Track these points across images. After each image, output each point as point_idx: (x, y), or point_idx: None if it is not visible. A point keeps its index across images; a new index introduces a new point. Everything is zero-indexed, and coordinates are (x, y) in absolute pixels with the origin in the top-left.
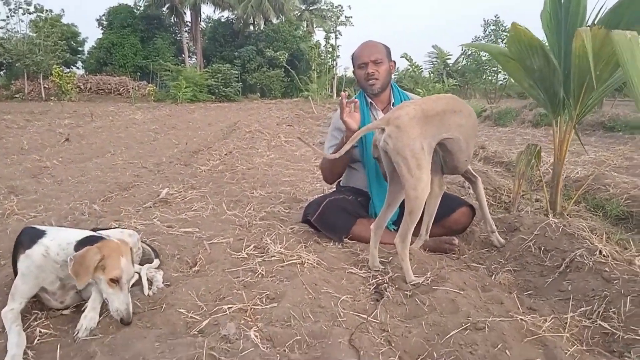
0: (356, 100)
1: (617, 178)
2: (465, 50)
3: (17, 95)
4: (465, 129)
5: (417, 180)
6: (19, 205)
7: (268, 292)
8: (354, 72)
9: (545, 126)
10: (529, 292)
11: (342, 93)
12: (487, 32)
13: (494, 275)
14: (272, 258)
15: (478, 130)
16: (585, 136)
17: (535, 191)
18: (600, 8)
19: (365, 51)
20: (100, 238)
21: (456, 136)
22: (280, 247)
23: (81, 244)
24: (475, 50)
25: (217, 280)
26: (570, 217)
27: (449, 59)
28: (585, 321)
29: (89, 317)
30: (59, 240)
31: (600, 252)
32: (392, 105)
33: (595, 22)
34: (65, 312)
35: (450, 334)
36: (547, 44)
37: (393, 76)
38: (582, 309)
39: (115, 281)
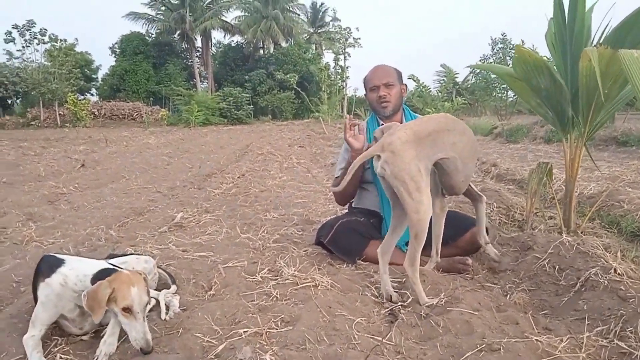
0: (359, 123)
1: (632, 194)
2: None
3: (33, 123)
4: (460, 147)
5: (418, 203)
6: (37, 232)
7: (283, 316)
8: (365, 95)
9: (557, 142)
10: (544, 312)
11: (347, 115)
12: (495, 51)
13: (508, 295)
14: (286, 281)
15: (480, 148)
16: (598, 151)
17: (549, 209)
18: (605, 28)
19: (377, 74)
20: (113, 271)
21: (451, 155)
22: (294, 270)
23: (96, 278)
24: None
25: (232, 304)
26: (585, 234)
27: (457, 77)
28: (602, 341)
29: (108, 343)
30: (77, 271)
31: (615, 270)
32: None
33: (600, 41)
34: (85, 337)
35: (466, 356)
36: (553, 63)
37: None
38: (599, 328)
39: (128, 310)
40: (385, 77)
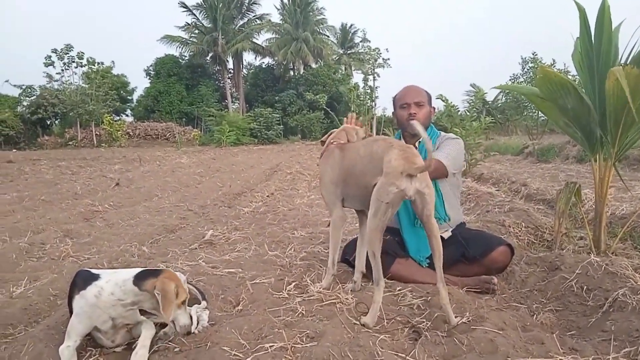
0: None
1: None
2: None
3: (70, 143)
4: None
5: (437, 225)
6: (74, 248)
7: (308, 331)
8: (394, 113)
9: (589, 162)
10: (571, 333)
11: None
12: (525, 70)
13: (535, 315)
14: (312, 297)
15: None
16: (632, 171)
17: (580, 229)
18: (633, 46)
19: (409, 93)
20: (157, 271)
21: None
22: (320, 287)
23: (139, 277)
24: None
25: (259, 319)
26: (616, 255)
27: (486, 95)
28: None
29: (140, 354)
30: (113, 281)
31: None
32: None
33: (628, 61)
34: (117, 349)
35: None
36: (580, 83)
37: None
38: (626, 349)
39: (183, 303)
40: (416, 96)
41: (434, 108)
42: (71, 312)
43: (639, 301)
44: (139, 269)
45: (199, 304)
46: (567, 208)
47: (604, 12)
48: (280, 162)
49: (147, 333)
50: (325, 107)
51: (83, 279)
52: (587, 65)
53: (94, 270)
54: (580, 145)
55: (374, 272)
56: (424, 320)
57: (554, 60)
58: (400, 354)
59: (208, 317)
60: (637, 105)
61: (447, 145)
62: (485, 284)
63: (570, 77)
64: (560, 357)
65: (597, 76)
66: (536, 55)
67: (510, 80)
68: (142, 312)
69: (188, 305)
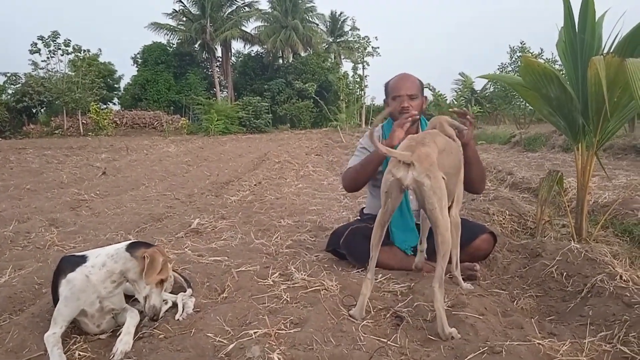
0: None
1: None
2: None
3: (56, 132)
4: (448, 165)
5: (447, 221)
6: (59, 237)
7: (292, 318)
8: (385, 101)
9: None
10: (550, 318)
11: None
12: (513, 59)
13: (515, 301)
14: (297, 285)
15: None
16: (616, 160)
17: (563, 217)
18: (616, 36)
19: (403, 85)
20: (148, 244)
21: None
22: (305, 275)
23: (132, 246)
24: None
25: (243, 306)
26: (597, 242)
27: (474, 84)
28: (605, 346)
29: (124, 341)
30: (104, 253)
31: (621, 277)
32: None
33: (611, 50)
34: (102, 336)
35: (468, 358)
36: (564, 72)
37: None
38: (602, 333)
39: (162, 282)
40: (410, 88)
41: (425, 98)
42: (55, 301)
43: (616, 287)
44: (130, 241)
45: (185, 291)
46: (549, 196)
47: (587, 2)
48: (269, 151)
49: (131, 320)
50: (314, 96)
51: (70, 264)
52: (571, 54)
53: (78, 253)
54: (563, 134)
55: (369, 263)
56: (407, 306)
57: (541, 50)
58: (382, 339)
59: (193, 305)
60: (616, 95)
61: None
62: (468, 271)
63: (557, 66)
64: (538, 341)
65: (580, 65)
66: (524, 44)
67: (498, 69)
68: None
69: (174, 293)
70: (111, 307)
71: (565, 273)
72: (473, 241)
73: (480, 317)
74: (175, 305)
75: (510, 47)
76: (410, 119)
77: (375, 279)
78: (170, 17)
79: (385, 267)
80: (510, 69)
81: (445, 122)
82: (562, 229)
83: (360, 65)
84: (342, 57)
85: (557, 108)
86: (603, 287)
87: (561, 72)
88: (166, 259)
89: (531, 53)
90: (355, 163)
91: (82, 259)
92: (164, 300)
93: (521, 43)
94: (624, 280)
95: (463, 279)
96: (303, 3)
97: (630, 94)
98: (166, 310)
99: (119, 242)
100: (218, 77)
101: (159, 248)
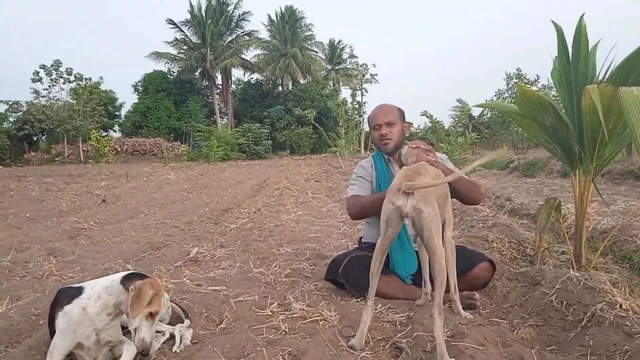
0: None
1: None
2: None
3: (57, 159)
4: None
5: (442, 249)
6: (57, 267)
7: (290, 349)
8: (370, 132)
9: None
10: (551, 348)
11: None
12: (510, 85)
13: (516, 330)
14: (295, 315)
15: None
16: (615, 185)
17: (562, 244)
18: (610, 64)
19: (379, 114)
20: (144, 275)
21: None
22: (303, 305)
23: (127, 278)
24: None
25: (241, 337)
26: (597, 269)
27: (471, 111)
28: None
29: None
30: (99, 284)
31: (621, 305)
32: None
33: (605, 78)
34: None
35: None
36: (560, 100)
37: (417, 132)
38: None
39: (152, 315)
40: (387, 116)
41: (408, 124)
42: (52, 333)
43: (616, 316)
44: (126, 272)
45: (182, 322)
46: (548, 223)
47: (580, 32)
48: (269, 177)
49: (128, 353)
50: (313, 122)
51: (66, 296)
52: (566, 83)
53: (75, 285)
54: (560, 161)
55: (369, 291)
56: (406, 337)
57: (537, 76)
58: None
59: (191, 336)
60: (610, 123)
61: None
62: (467, 300)
63: (554, 92)
64: None
65: (575, 94)
66: (520, 71)
67: (495, 95)
68: (123, 329)
69: (171, 325)
70: (108, 340)
71: (565, 302)
72: (472, 269)
73: (480, 347)
74: (172, 336)
75: (506, 74)
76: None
77: (375, 309)
78: (171, 45)
79: (383, 296)
80: (507, 95)
81: (422, 152)
82: (562, 255)
83: (358, 92)
84: (341, 84)
85: (553, 136)
86: (603, 316)
87: (557, 100)
88: (157, 292)
89: (527, 79)
90: (356, 192)
91: (79, 291)
92: (161, 332)
93: (517, 69)
94: (624, 309)
95: (463, 307)
96: (302, 32)
97: (624, 122)
98: (164, 342)
99: (117, 272)
100: (218, 105)
101: (152, 280)
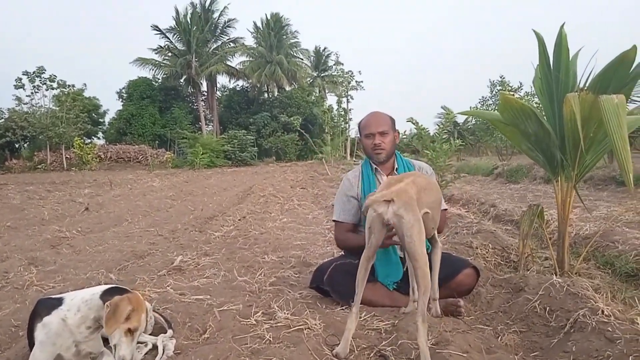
0: None
1: (628, 234)
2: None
3: (39, 166)
4: (432, 202)
5: (425, 256)
6: (38, 276)
7: (274, 359)
8: (359, 139)
9: None
10: (535, 354)
11: None
12: (493, 93)
13: (500, 337)
14: (279, 324)
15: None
16: (597, 191)
17: (545, 250)
18: (590, 72)
19: (373, 122)
20: (124, 290)
21: (429, 211)
22: (288, 313)
23: (107, 292)
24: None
25: (225, 347)
26: (580, 275)
27: (456, 118)
28: None
29: None
30: (79, 297)
31: (603, 311)
32: (396, 170)
33: (586, 86)
34: None
35: None
36: (542, 108)
37: (402, 138)
38: None
39: (131, 332)
40: (380, 125)
41: (398, 132)
42: (31, 345)
43: (598, 322)
44: (107, 286)
45: (165, 332)
46: (531, 230)
47: (561, 40)
48: (254, 184)
49: None
50: (299, 129)
51: (46, 307)
52: (547, 91)
53: (54, 296)
54: (543, 168)
55: (354, 298)
56: (391, 344)
57: (520, 84)
58: None
59: (174, 347)
60: (591, 130)
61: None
62: (452, 307)
63: (537, 98)
64: None
65: (556, 101)
66: (504, 78)
67: (479, 102)
68: (105, 342)
69: (154, 335)
70: (88, 351)
71: (548, 308)
72: (456, 276)
73: (464, 354)
74: (155, 347)
75: (490, 81)
76: None
77: (359, 317)
78: (156, 52)
79: (368, 304)
80: (491, 102)
81: None
82: (545, 261)
83: (344, 99)
84: (327, 91)
85: (535, 143)
86: (585, 322)
87: (539, 108)
88: (137, 308)
89: (510, 87)
90: (340, 218)
91: (59, 302)
92: (143, 343)
93: (500, 77)
94: (606, 315)
95: (446, 314)
96: (287, 39)
97: (605, 129)
98: (146, 353)
99: (99, 285)
100: (203, 111)
101: (131, 296)
